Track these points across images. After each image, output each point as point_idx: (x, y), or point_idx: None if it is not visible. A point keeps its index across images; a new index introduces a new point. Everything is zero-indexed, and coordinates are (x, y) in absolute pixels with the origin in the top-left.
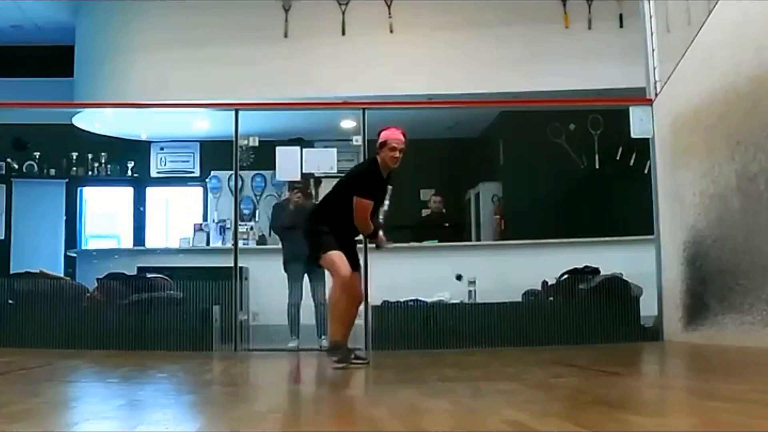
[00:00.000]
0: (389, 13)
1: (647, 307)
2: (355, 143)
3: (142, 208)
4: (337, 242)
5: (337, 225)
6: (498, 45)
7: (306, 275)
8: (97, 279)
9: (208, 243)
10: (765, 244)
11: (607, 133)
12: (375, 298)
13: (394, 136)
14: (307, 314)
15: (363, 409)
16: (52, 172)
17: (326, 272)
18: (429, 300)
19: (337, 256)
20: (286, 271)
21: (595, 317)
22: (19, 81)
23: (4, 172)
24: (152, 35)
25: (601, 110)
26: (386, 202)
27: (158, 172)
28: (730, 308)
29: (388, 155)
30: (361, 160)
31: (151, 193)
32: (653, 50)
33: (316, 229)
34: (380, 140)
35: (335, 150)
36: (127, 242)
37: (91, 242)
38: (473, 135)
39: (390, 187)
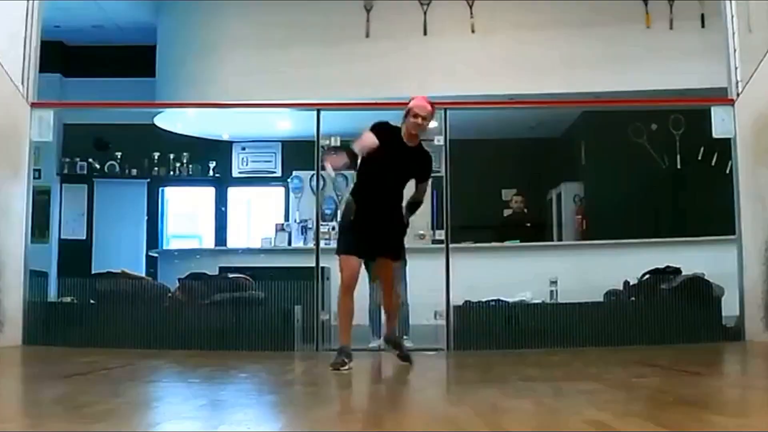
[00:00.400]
0: (471, 13)
1: (729, 307)
2: (436, 143)
3: (223, 208)
4: (356, 238)
5: (360, 208)
6: (579, 45)
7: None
8: (179, 279)
9: (289, 243)
10: None
11: (688, 133)
12: (457, 298)
13: (419, 103)
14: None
15: (444, 408)
16: (134, 172)
17: (407, 271)
18: (511, 300)
19: (342, 261)
20: (366, 270)
21: (677, 317)
22: (101, 81)
23: (86, 172)
24: (234, 35)
25: (683, 110)
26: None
27: (240, 172)
28: None
29: (410, 122)
30: (443, 160)
31: (233, 193)
32: (735, 50)
33: (339, 223)
34: (406, 108)
35: None
36: (209, 242)
37: (172, 242)
38: (555, 135)
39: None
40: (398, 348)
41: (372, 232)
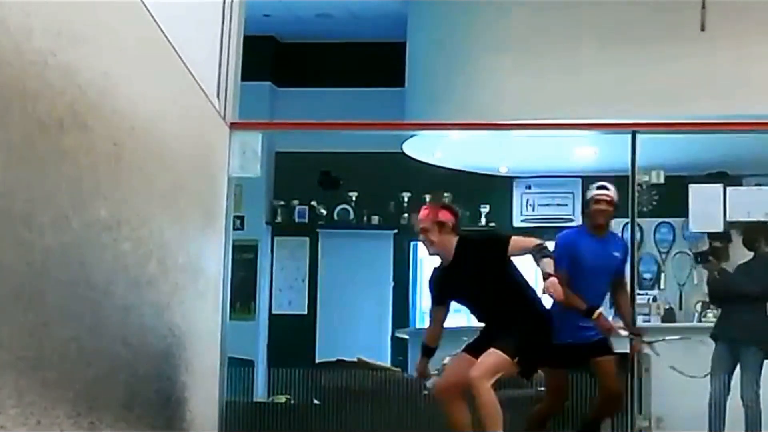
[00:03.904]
0: None
1: None
2: None
3: None
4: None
5: None
6: None
7: (739, 362)
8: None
9: None
10: None
11: None
12: None
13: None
14: (736, 417)
15: None
16: (375, 219)
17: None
18: None
19: None
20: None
21: None
22: (328, 92)
23: (306, 219)
24: (515, 30)
25: None
26: None
27: (524, 220)
28: None
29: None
30: None
31: None
32: None
33: None
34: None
35: None
36: None
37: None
38: None
39: None
40: None
41: None
